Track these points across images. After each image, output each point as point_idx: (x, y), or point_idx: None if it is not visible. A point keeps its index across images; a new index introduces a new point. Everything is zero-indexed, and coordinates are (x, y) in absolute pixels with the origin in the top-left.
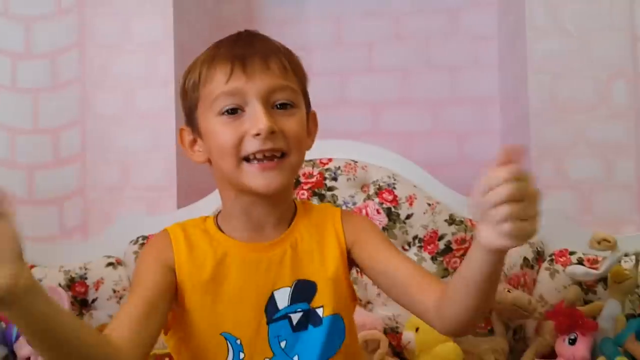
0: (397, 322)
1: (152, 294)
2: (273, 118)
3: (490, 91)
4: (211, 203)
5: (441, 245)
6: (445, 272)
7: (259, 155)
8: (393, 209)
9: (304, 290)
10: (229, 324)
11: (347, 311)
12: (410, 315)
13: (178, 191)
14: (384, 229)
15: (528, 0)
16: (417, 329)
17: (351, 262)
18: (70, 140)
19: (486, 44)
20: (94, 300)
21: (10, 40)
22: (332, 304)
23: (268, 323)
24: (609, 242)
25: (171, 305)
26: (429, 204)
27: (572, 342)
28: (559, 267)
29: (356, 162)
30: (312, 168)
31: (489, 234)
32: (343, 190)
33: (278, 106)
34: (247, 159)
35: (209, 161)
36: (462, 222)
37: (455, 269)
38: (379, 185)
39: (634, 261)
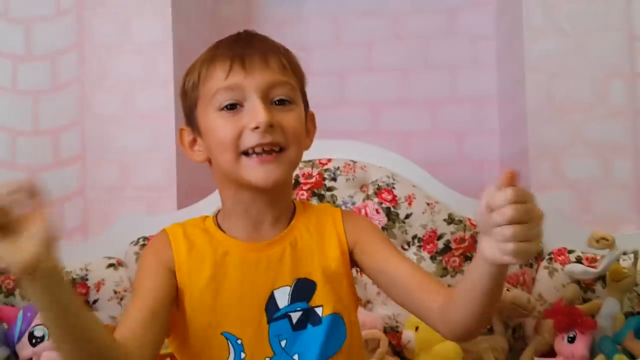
0: (397, 321)
1: (155, 298)
2: (271, 113)
3: (489, 91)
4: (211, 203)
5: (440, 244)
6: (445, 272)
7: (257, 149)
8: (392, 209)
9: (303, 289)
10: (230, 324)
11: (347, 311)
12: (410, 315)
13: (178, 191)
14: (383, 228)
15: (525, 0)
16: (417, 328)
17: (353, 262)
18: (70, 141)
19: (484, 44)
20: (95, 302)
21: (10, 42)
22: (331, 304)
23: (268, 322)
24: (607, 240)
25: (173, 307)
26: (428, 204)
27: (571, 340)
28: (557, 265)
29: (355, 162)
30: (312, 168)
31: (493, 251)
32: (342, 190)
33: (277, 102)
34: (246, 153)
35: (209, 160)
36: (461, 221)
37: (454, 268)
38: (378, 185)
39: (632, 259)
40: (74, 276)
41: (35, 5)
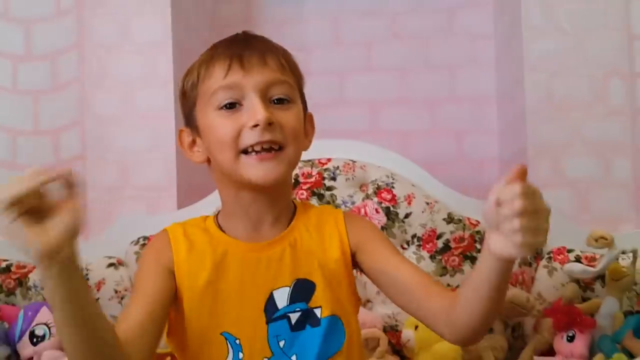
0: (396, 320)
1: (153, 298)
2: (270, 111)
3: (488, 90)
4: (211, 203)
5: (440, 243)
6: (444, 271)
7: (257, 148)
8: (392, 208)
9: (302, 290)
10: (229, 324)
11: (346, 313)
12: None
13: (178, 191)
14: (382, 228)
15: (524, 0)
16: (416, 327)
17: (354, 264)
18: (71, 141)
19: (483, 43)
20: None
21: (10, 42)
22: (330, 305)
23: (267, 322)
24: (606, 239)
25: (171, 307)
26: (428, 203)
27: (570, 339)
28: (557, 264)
29: (355, 161)
30: (311, 168)
31: (501, 244)
32: (342, 190)
33: (275, 101)
34: (245, 152)
35: (208, 161)
36: (460, 220)
37: (453, 267)
38: (377, 184)
39: (631, 258)
40: None
41: (35, 6)
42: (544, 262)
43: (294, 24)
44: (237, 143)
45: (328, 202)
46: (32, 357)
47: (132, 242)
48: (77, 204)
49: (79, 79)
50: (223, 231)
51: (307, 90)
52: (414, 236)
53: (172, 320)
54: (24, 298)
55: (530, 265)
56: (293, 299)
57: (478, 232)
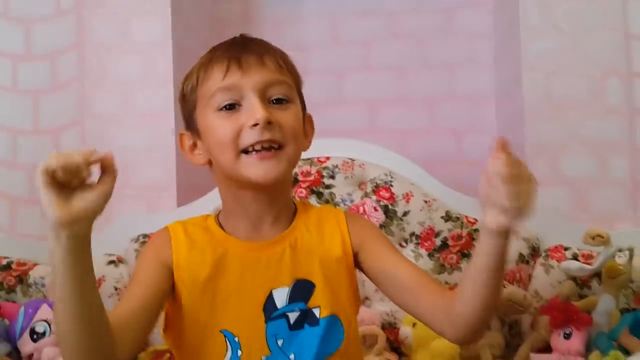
0: (394, 318)
1: (147, 291)
2: (269, 111)
3: (486, 89)
4: (211, 201)
5: (438, 241)
6: (442, 269)
7: (257, 147)
8: (390, 206)
9: (302, 290)
10: (228, 322)
11: (346, 313)
12: None
13: (178, 190)
14: (381, 226)
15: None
16: (414, 324)
17: (356, 264)
18: (70, 141)
19: (482, 43)
20: None
21: (10, 42)
22: (329, 305)
23: (266, 321)
24: (603, 237)
25: (165, 303)
26: (426, 201)
27: (567, 336)
28: (554, 262)
29: (353, 160)
30: (310, 166)
31: (493, 215)
32: (341, 188)
33: (274, 101)
34: (245, 152)
35: (209, 163)
36: (458, 218)
37: (451, 265)
38: (376, 183)
39: (627, 256)
40: None
41: (35, 5)
42: (541, 260)
43: (293, 24)
44: (237, 143)
45: (327, 201)
46: (32, 354)
47: (132, 240)
48: (107, 189)
49: (79, 78)
50: (224, 230)
51: (305, 90)
52: (412, 234)
53: (169, 317)
54: (25, 295)
55: (527, 263)
56: (292, 298)
57: (476, 230)
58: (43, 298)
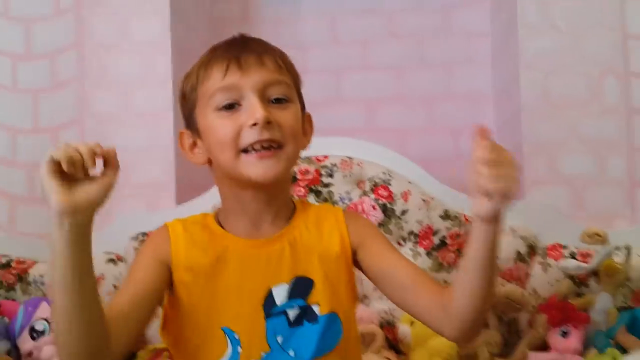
0: (393, 316)
1: (143, 287)
2: (269, 110)
3: (484, 88)
4: (209, 200)
5: (436, 240)
6: (440, 267)
7: (256, 146)
8: (388, 205)
9: (301, 287)
10: (228, 319)
11: (344, 309)
12: None
13: (177, 188)
14: (379, 224)
15: None
16: (412, 323)
17: (355, 263)
18: (70, 140)
19: (480, 41)
20: None
21: (10, 41)
22: (328, 302)
23: (266, 318)
24: (600, 236)
25: (161, 300)
26: (424, 200)
27: (565, 334)
28: (551, 261)
29: (352, 158)
30: (309, 165)
31: (479, 201)
32: (339, 186)
33: (273, 101)
34: (245, 151)
35: (209, 162)
36: (456, 217)
37: (450, 263)
38: (374, 181)
39: (625, 255)
40: None
41: (35, 5)
42: (538, 258)
43: (291, 23)
44: (237, 142)
45: (325, 199)
46: (32, 352)
47: (131, 238)
48: (109, 181)
49: (79, 77)
50: (223, 228)
51: (304, 89)
52: (410, 233)
53: (167, 316)
54: (24, 293)
55: (525, 261)
56: (291, 295)
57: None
58: (42, 296)
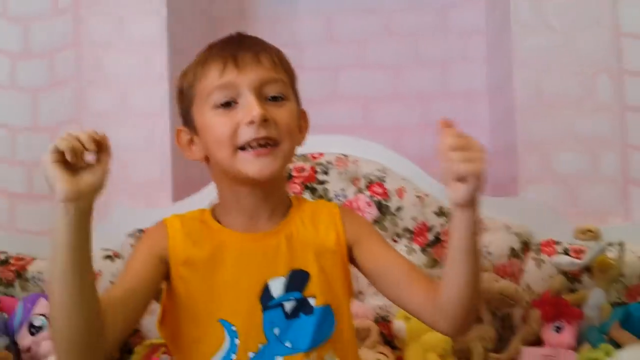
0: (387, 312)
1: (138, 281)
2: (265, 108)
3: (479, 86)
4: (206, 196)
5: (430, 236)
6: (435, 263)
7: (253, 144)
8: (383, 202)
9: (297, 280)
10: (225, 311)
11: (339, 302)
12: None
13: (173, 185)
14: (374, 221)
15: None
16: (407, 318)
17: (350, 260)
18: None
19: (475, 40)
20: None
21: (8, 40)
22: (324, 295)
23: (263, 311)
24: (593, 232)
25: (156, 294)
26: (418, 197)
27: (558, 330)
28: (545, 257)
29: (347, 156)
30: (304, 162)
31: (454, 187)
32: (334, 183)
33: (270, 99)
34: (242, 148)
35: (206, 158)
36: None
37: (444, 259)
38: (369, 178)
39: (618, 251)
40: None
41: (33, 4)
42: (532, 254)
43: (288, 22)
44: (234, 140)
45: (321, 196)
46: (30, 347)
47: (128, 235)
48: (105, 166)
49: (76, 76)
50: (220, 223)
51: (300, 86)
52: (405, 229)
53: (166, 309)
54: (23, 290)
55: (519, 257)
56: (288, 288)
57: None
58: (41, 292)
